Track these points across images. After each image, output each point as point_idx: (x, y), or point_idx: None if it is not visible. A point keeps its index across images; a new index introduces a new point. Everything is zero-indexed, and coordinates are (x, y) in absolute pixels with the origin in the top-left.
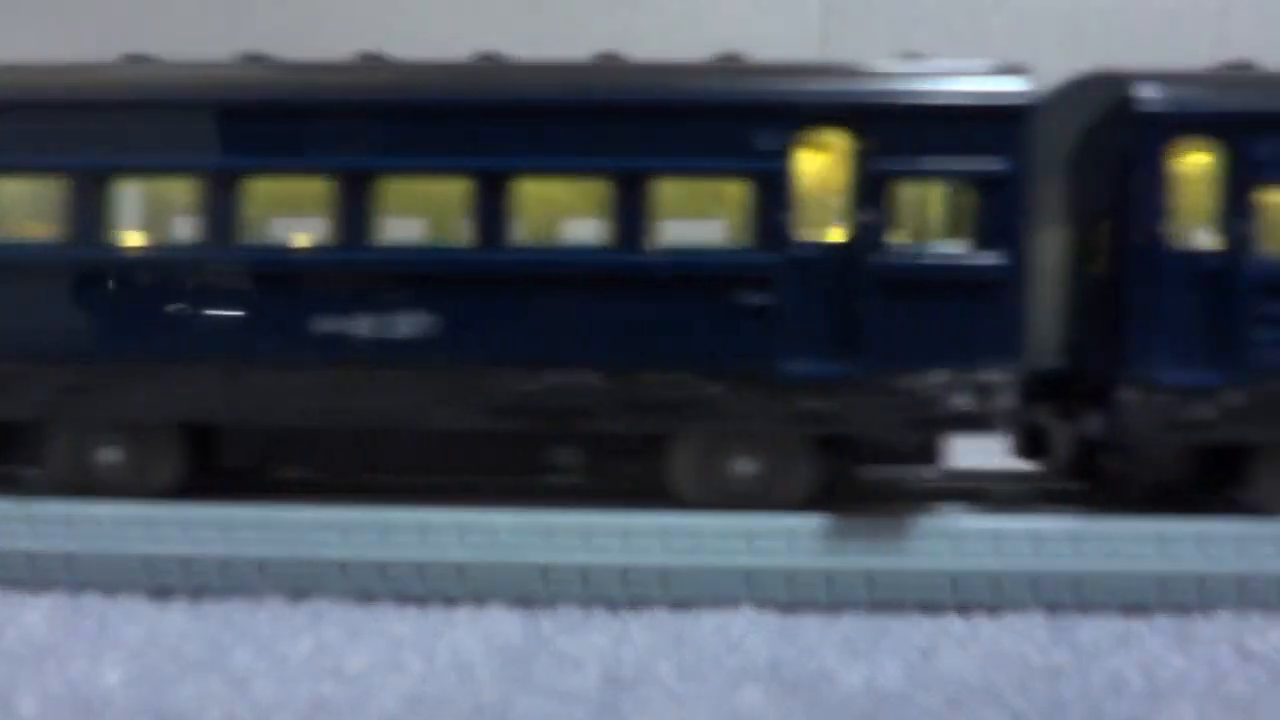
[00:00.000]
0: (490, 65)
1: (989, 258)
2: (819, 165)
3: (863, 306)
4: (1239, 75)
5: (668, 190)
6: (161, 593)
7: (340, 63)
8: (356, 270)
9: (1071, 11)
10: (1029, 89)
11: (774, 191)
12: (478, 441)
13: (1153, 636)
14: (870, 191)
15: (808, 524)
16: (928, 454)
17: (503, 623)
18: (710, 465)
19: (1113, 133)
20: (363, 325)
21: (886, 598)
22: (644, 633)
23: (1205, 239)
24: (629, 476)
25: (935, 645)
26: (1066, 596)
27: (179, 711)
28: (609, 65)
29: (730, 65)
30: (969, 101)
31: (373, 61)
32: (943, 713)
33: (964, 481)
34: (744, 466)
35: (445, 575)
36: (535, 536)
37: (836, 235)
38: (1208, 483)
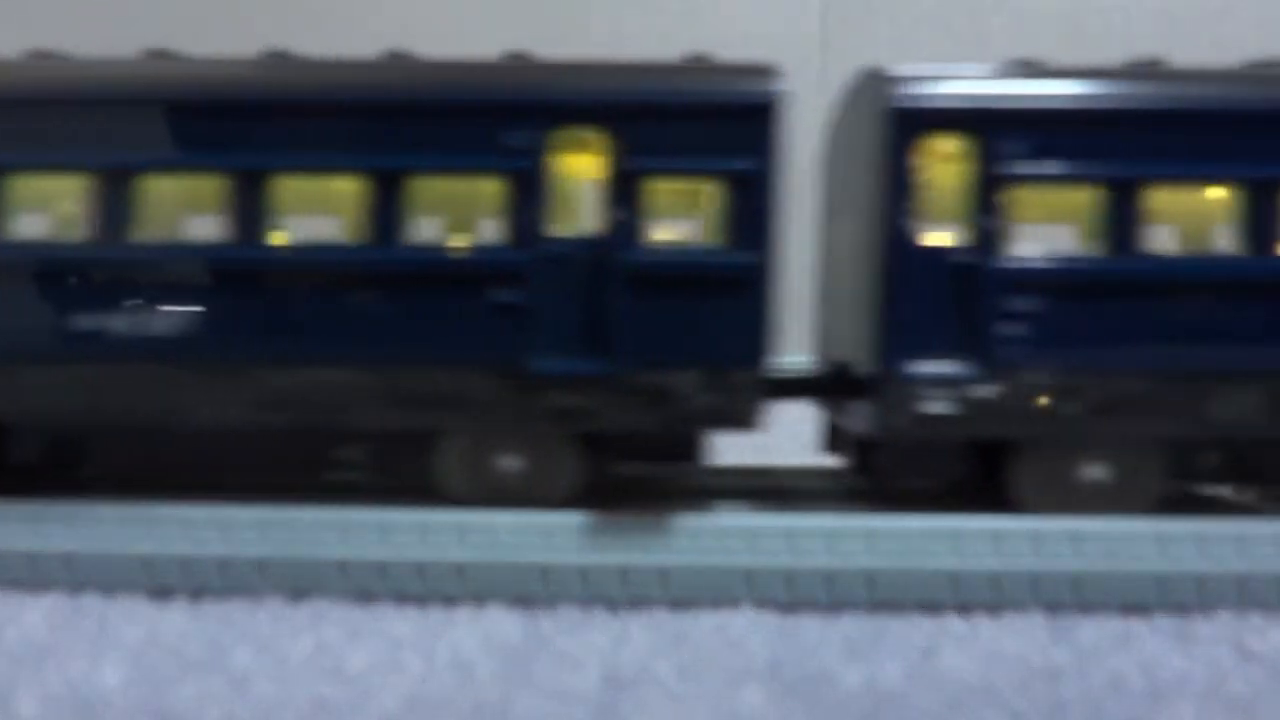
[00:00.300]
0: (258, 62)
1: (737, 255)
2: (573, 163)
3: (614, 303)
4: (1005, 72)
5: (425, 188)
6: (161, 593)
7: (116, 60)
8: (118, 267)
9: (1071, 11)
10: (779, 88)
11: (527, 189)
12: (263, 439)
13: (1153, 636)
14: (622, 189)
15: (809, 524)
16: (690, 451)
17: (503, 623)
18: (474, 462)
19: (871, 130)
20: (126, 322)
21: (887, 598)
22: (644, 633)
23: (955, 235)
24: (404, 474)
25: (935, 645)
26: (1066, 596)
27: (179, 711)
28: (373, 64)
29: (497, 64)
30: (719, 100)
31: (158, 59)
32: (942, 713)
33: (757, 479)
34: (507, 464)
35: (445, 575)
36: (535, 536)
37: (589, 233)
38: (984, 480)
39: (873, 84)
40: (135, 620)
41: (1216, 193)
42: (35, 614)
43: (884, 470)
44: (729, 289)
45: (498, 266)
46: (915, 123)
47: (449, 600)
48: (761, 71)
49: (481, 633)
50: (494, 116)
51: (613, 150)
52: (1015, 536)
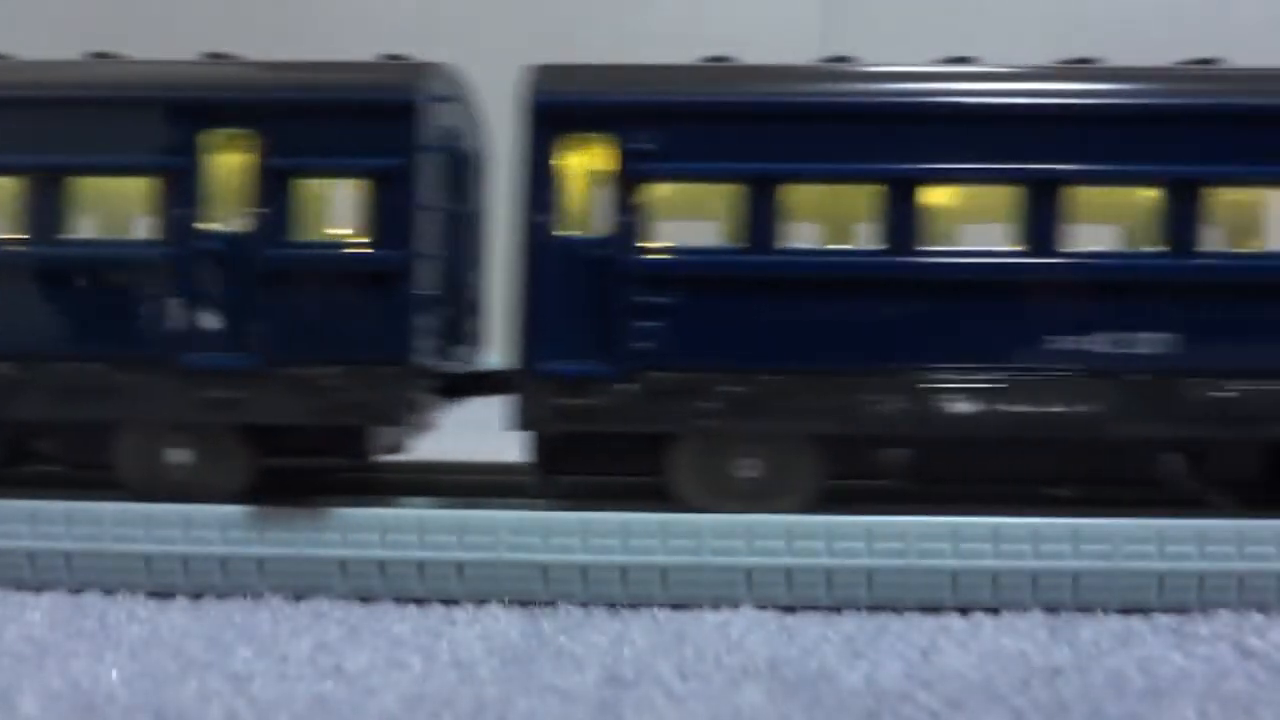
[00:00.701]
0: None
1: (381, 252)
2: (224, 161)
3: (262, 298)
4: (651, 70)
5: (86, 186)
6: (162, 592)
7: None
8: None
9: (1073, 11)
10: (423, 86)
11: (177, 186)
12: None
13: (1153, 635)
14: (269, 186)
15: (808, 523)
16: (356, 446)
17: (502, 622)
18: (147, 454)
19: (520, 126)
20: None
21: (887, 597)
22: (644, 632)
23: (591, 230)
24: (92, 466)
25: (935, 644)
26: (1066, 596)
27: (180, 710)
28: (46, 63)
29: (152, 64)
30: (361, 100)
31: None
32: (943, 712)
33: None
34: (177, 456)
35: (445, 574)
36: (535, 536)
37: (239, 229)
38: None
39: (523, 81)
40: (136, 619)
41: (855, 189)
42: (36, 613)
43: (546, 464)
44: (373, 285)
45: (152, 262)
46: (551, 119)
47: (449, 599)
48: (409, 70)
49: (481, 632)
50: (147, 114)
51: (261, 148)
52: (1015, 536)
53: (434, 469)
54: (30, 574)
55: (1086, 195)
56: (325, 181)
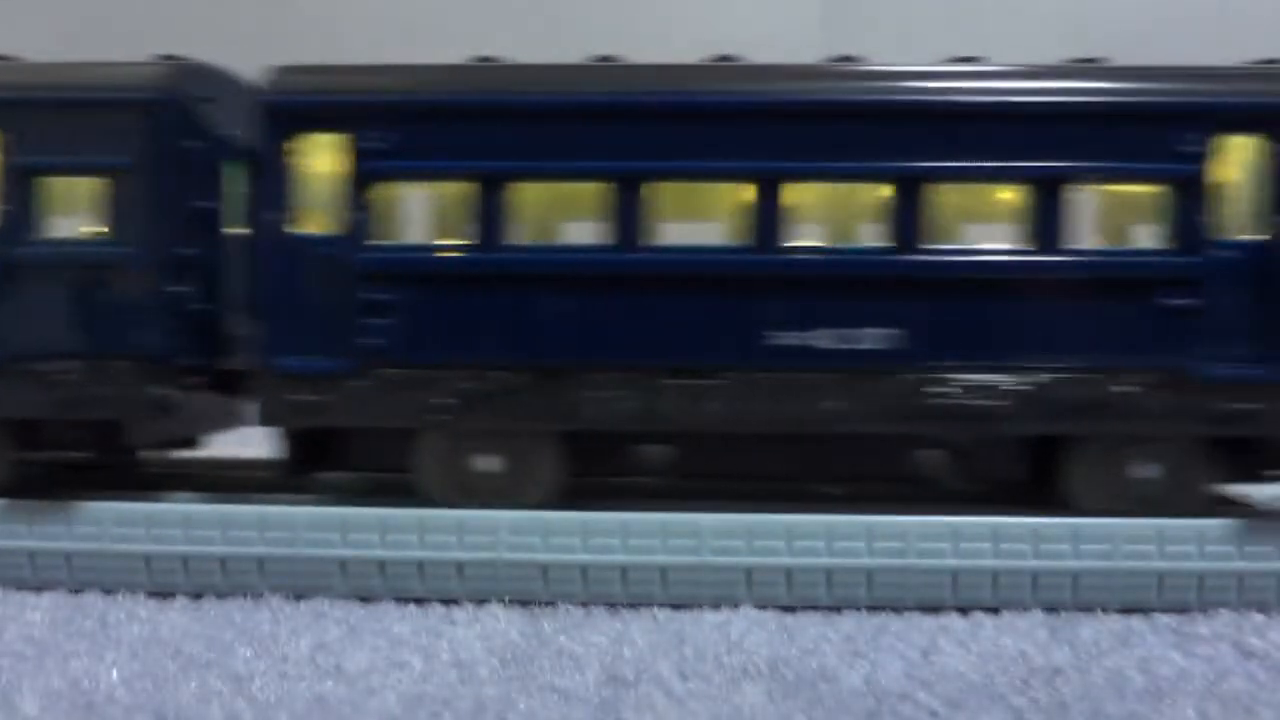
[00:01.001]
0: None
1: (121, 249)
2: None
3: (5, 294)
4: (385, 70)
5: None
6: (162, 592)
7: None
8: None
9: (1073, 11)
10: (171, 86)
11: None
12: None
13: (1153, 635)
14: (13, 184)
15: (808, 523)
16: (114, 441)
17: (502, 622)
18: None
19: (256, 125)
20: None
21: (887, 596)
22: (644, 632)
23: (326, 228)
24: None
25: (936, 644)
26: (1066, 596)
27: (180, 709)
28: None
29: None
30: (103, 98)
31: None
32: (943, 712)
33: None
34: None
35: (445, 574)
36: (535, 536)
37: None
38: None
39: (262, 80)
40: (136, 619)
41: (580, 186)
42: (36, 613)
43: (294, 460)
44: (115, 281)
45: None
46: (285, 118)
47: (449, 599)
48: (158, 70)
49: (481, 632)
50: None
51: (4, 146)
52: (1015, 536)
53: (202, 464)
54: (30, 574)
55: (805, 192)
56: (67, 178)
